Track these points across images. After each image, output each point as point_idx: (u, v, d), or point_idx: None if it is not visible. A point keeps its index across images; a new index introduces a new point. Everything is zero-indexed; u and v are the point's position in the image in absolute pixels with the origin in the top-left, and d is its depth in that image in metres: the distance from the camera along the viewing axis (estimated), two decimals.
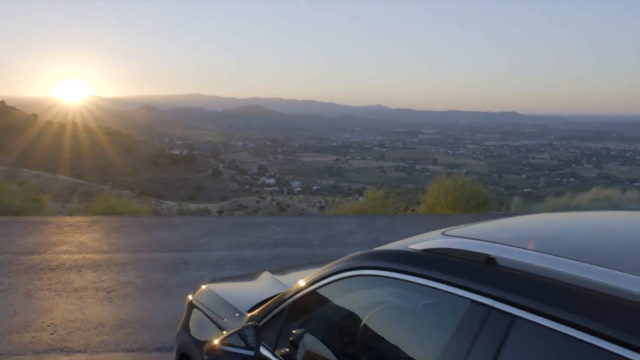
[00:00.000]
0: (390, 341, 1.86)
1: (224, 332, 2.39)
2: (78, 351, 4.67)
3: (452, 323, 1.49)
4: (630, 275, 1.24)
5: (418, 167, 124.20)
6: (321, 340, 1.94)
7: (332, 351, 1.90)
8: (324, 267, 2.09)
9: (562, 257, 1.40)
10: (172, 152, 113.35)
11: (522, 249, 1.51)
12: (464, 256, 1.57)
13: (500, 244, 1.57)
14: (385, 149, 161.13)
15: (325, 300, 2.13)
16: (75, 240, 8.52)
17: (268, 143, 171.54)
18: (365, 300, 2.08)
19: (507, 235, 1.79)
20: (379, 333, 1.89)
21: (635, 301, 1.15)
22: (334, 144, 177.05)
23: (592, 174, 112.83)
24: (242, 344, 2.20)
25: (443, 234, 1.84)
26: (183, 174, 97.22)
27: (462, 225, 2.02)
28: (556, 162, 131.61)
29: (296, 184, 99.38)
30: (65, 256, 7.61)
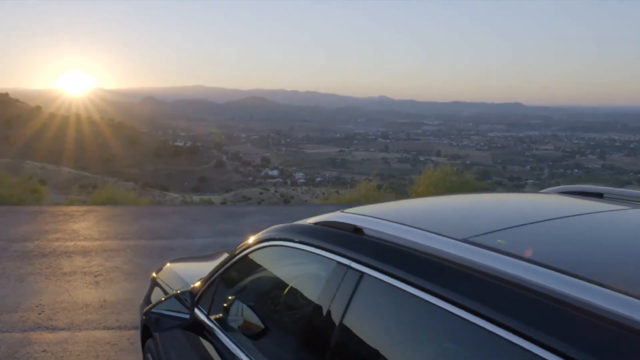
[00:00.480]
0: (295, 302, 2.16)
1: (162, 298, 2.72)
2: (62, 329, 5.01)
3: (325, 281, 1.80)
4: (454, 241, 1.49)
5: (422, 159, 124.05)
6: (249, 306, 2.25)
7: (258, 316, 2.20)
8: (247, 241, 2.41)
9: (420, 229, 1.62)
10: (175, 143, 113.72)
11: (390, 222, 1.74)
12: (339, 227, 1.89)
13: (377, 218, 1.84)
14: (388, 140, 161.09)
15: (249, 269, 2.45)
16: (68, 229, 8.88)
17: (271, 135, 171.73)
18: (281, 267, 2.40)
19: (392, 213, 2.11)
20: (290, 297, 2.20)
21: (449, 260, 1.42)
22: (337, 135, 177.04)
23: (597, 165, 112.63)
24: (179, 308, 2.52)
25: (341, 211, 2.15)
26: (186, 166, 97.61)
27: (366, 205, 2.34)
28: (560, 154, 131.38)
29: (300, 176, 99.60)
30: (57, 243, 7.96)
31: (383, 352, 1.55)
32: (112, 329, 5.03)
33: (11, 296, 5.82)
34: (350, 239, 1.79)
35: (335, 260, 1.77)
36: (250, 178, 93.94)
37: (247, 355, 2.07)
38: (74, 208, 10.81)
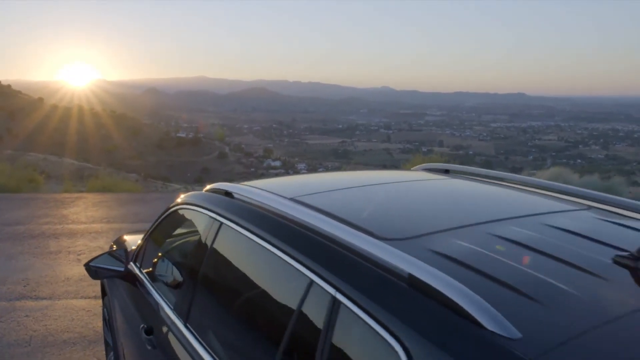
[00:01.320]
0: (194, 255, 2.71)
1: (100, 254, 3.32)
2: (44, 298, 5.63)
3: (202, 232, 2.41)
4: (282, 199, 2.04)
5: (424, 149, 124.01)
6: (169, 261, 2.81)
7: (176, 269, 2.75)
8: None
9: (269, 192, 2.18)
10: (177, 135, 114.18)
11: (255, 189, 2.28)
12: (217, 192, 2.48)
13: (251, 187, 2.39)
14: (391, 131, 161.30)
15: (168, 229, 3.03)
16: (58, 214, 9.49)
17: (274, 126, 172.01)
18: (188, 227, 2.96)
19: (267, 183, 2.68)
20: (192, 251, 2.75)
21: (272, 211, 1.97)
22: (340, 126, 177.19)
23: (600, 156, 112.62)
24: (113, 263, 3.13)
25: (239, 182, 2.71)
26: (189, 157, 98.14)
27: (262, 179, 2.92)
28: (563, 144, 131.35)
29: (302, 167, 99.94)
30: (46, 226, 8.58)
31: (227, 279, 2.19)
32: (88, 298, 5.64)
33: (0, 272, 6.44)
34: (218, 199, 2.38)
35: (208, 215, 2.37)
36: (253, 169, 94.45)
37: (166, 303, 2.62)
38: (65, 195, 11.43)
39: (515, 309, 1.24)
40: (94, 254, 7.03)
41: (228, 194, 2.39)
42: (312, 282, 1.54)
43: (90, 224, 8.73)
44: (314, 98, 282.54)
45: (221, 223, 2.22)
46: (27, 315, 5.18)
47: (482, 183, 2.54)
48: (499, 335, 1.13)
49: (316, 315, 1.50)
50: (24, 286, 5.97)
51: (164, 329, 2.40)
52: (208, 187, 2.63)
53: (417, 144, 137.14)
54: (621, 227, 1.84)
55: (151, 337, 2.49)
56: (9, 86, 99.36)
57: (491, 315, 1.16)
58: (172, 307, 2.44)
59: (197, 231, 2.58)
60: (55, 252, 7.23)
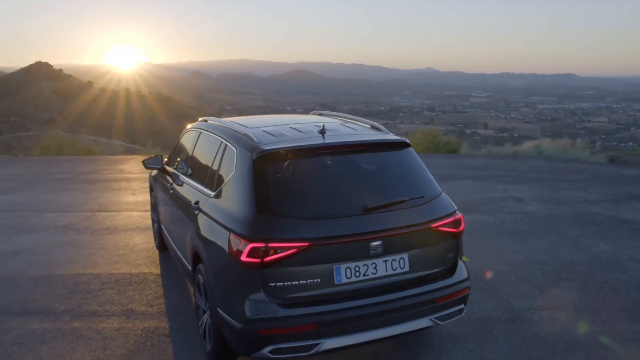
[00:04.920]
0: (197, 154, 5.35)
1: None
2: (112, 211, 8.49)
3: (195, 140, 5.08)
4: (235, 123, 4.58)
5: (468, 132, 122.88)
6: (182, 155, 5.47)
7: (185, 165, 5.41)
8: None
9: (231, 121, 4.76)
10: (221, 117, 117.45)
11: (220, 117, 4.92)
12: (202, 120, 5.12)
13: (219, 117, 5.02)
14: (434, 113, 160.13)
15: (185, 143, 5.66)
16: (117, 168, 12.45)
17: (316, 107, 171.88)
18: (195, 140, 5.56)
19: (238, 119, 5.30)
20: (196, 153, 5.38)
21: (223, 126, 4.58)
22: (383, 108, 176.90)
23: None
24: (157, 164, 5.83)
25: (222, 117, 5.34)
26: None
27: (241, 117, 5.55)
28: (614, 126, 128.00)
29: None
30: (109, 175, 11.53)
31: (201, 152, 4.85)
32: (140, 211, 8.47)
33: (82, 199, 9.35)
34: (202, 123, 5.04)
35: (197, 130, 5.07)
36: None
37: (187, 176, 5.28)
38: (120, 156, 14.47)
39: (266, 137, 3.88)
40: (144, 190, 9.94)
41: (205, 120, 5.04)
42: (221, 142, 4.23)
43: (140, 174, 11.60)
44: (357, 80, 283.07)
45: (201, 132, 4.90)
46: (103, 219, 8.05)
47: (325, 116, 5.12)
48: (256, 142, 3.79)
49: (220, 150, 4.19)
50: (99, 205, 8.87)
51: (179, 181, 5.12)
52: (199, 119, 5.29)
53: (461, 126, 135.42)
54: (342, 126, 4.36)
55: (172, 186, 5.22)
56: (60, 70, 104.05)
57: (257, 136, 3.86)
58: (181, 171, 5.15)
59: (192, 139, 5.26)
60: (117, 189, 10.14)
